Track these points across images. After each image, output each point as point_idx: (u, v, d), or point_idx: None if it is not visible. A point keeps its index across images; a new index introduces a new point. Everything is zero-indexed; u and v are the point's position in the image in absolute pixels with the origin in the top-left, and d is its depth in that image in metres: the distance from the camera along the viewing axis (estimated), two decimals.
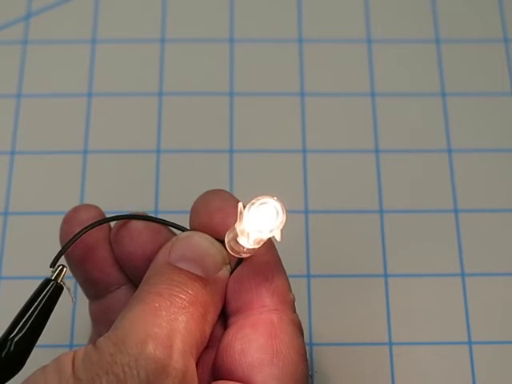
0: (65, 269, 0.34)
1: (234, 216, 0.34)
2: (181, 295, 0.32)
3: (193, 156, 0.48)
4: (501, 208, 0.47)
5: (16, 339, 0.31)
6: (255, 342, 0.33)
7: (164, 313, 0.31)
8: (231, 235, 0.34)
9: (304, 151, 0.48)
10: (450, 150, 0.49)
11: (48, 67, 0.51)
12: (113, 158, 0.48)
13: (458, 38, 0.52)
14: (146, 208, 0.46)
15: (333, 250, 0.46)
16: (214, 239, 0.34)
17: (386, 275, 0.45)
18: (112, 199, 0.47)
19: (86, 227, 0.35)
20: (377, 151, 0.48)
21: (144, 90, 0.50)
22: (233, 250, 0.34)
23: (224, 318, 0.35)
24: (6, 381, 0.31)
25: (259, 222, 0.33)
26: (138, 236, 0.36)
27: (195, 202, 0.36)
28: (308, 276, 0.45)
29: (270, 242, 0.35)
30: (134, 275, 0.36)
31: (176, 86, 0.50)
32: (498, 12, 0.53)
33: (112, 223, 0.37)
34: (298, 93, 0.50)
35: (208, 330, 0.33)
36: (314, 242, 0.46)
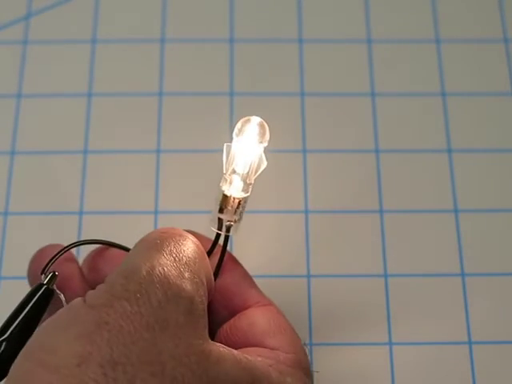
0: (56, 274, 0.34)
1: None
2: (186, 234, 0.34)
3: (193, 156, 0.48)
4: (501, 208, 0.47)
5: (7, 341, 0.32)
6: (261, 318, 0.34)
7: (168, 247, 0.32)
8: (216, 206, 0.35)
9: (304, 151, 0.48)
10: (449, 150, 0.49)
11: (48, 67, 0.51)
12: (113, 158, 0.48)
13: (458, 38, 0.52)
14: (146, 208, 0.46)
15: (333, 249, 0.46)
16: None
17: (386, 275, 0.45)
18: (112, 199, 0.47)
19: (66, 246, 0.36)
20: (377, 151, 0.48)
21: (144, 90, 0.50)
22: (219, 222, 0.35)
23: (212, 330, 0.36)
24: None
25: (248, 139, 0.34)
26: (112, 259, 0.37)
27: None
28: (308, 276, 0.45)
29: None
30: None
31: (176, 86, 0.50)
32: (498, 12, 0.53)
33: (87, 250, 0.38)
34: (299, 93, 0.50)
35: (212, 280, 0.34)
36: (314, 242, 0.46)
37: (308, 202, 0.47)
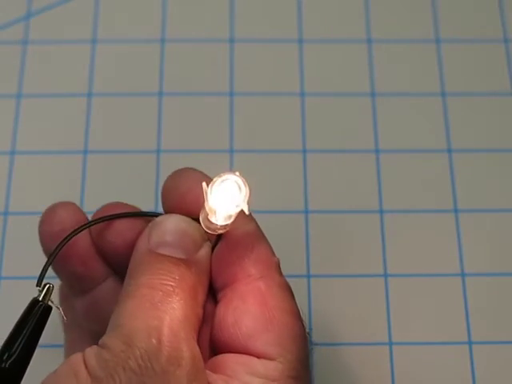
0: (52, 287, 0.33)
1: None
2: (170, 283, 0.32)
3: (193, 156, 0.48)
4: (501, 208, 0.47)
5: (8, 364, 0.31)
6: (247, 313, 0.33)
7: (159, 304, 0.32)
8: (203, 214, 0.34)
9: (304, 151, 0.48)
10: (450, 150, 0.49)
11: (48, 67, 0.51)
12: (113, 158, 0.48)
13: (458, 38, 0.52)
14: (146, 208, 0.46)
15: (333, 249, 0.46)
16: (189, 219, 0.34)
17: (385, 275, 0.45)
18: (112, 199, 0.47)
19: (66, 237, 0.34)
20: (377, 151, 0.48)
21: (144, 90, 0.50)
22: (208, 228, 0.34)
23: (213, 293, 0.35)
24: None
25: (223, 200, 0.33)
26: (117, 225, 0.36)
27: (165, 185, 0.36)
28: (308, 276, 0.45)
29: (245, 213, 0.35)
30: (117, 266, 0.36)
31: (176, 86, 0.50)
32: (498, 12, 0.53)
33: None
34: (298, 93, 0.50)
35: (201, 311, 0.34)
36: (314, 242, 0.46)
37: (308, 202, 0.47)
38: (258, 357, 0.32)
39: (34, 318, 0.32)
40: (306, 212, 0.47)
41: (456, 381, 0.43)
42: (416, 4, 0.53)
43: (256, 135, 0.49)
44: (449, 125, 0.49)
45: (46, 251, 0.36)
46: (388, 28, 0.52)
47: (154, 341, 0.30)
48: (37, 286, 0.33)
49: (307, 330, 0.34)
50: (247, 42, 0.52)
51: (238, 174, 0.33)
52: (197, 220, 0.35)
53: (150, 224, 0.35)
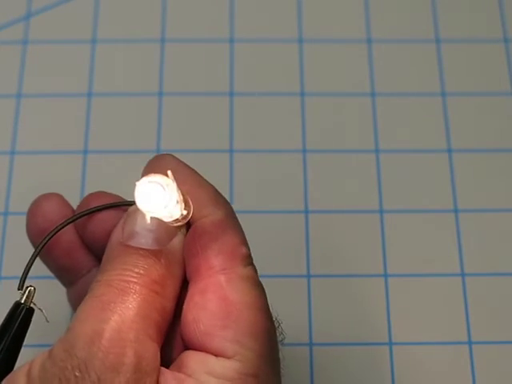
0: (34, 289, 0.33)
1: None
2: (131, 279, 0.31)
3: (193, 156, 0.48)
4: (501, 208, 0.47)
5: None
6: (205, 309, 0.31)
7: (112, 305, 0.30)
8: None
9: (304, 151, 0.48)
10: (450, 150, 0.49)
11: (48, 67, 0.51)
12: (113, 158, 0.48)
13: (458, 38, 0.52)
14: None
15: (333, 249, 0.46)
16: None
17: (385, 275, 0.45)
18: None
19: (47, 236, 0.34)
20: (377, 151, 0.48)
21: (144, 90, 0.50)
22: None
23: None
24: None
25: (148, 202, 0.31)
26: (98, 216, 0.35)
27: (143, 172, 0.35)
28: (308, 276, 0.45)
29: (219, 200, 0.33)
30: (102, 256, 0.35)
31: (176, 86, 0.50)
32: (498, 12, 0.53)
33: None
34: (298, 93, 0.50)
35: (169, 305, 0.32)
36: (314, 242, 0.46)
37: (308, 202, 0.47)
38: (216, 355, 0.31)
39: (16, 321, 0.32)
40: (306, 212, 0.47)
41: (456, 381, 0.43)
42: (416, 4, 0.53)
43: (256, 135, 0.49)
44: (449, 125, 0.49)
45: (33, 245, 0.36)
46: (388, 28, 0.52)
47: (94, 348, 0.29)
48: (18, 289, 0.32)
49: (279, 323, 0.33)
50: (247, 42, 0.52)
51: (169, 173, 0.32)
52: None
53: (124, 214, 0.33)
